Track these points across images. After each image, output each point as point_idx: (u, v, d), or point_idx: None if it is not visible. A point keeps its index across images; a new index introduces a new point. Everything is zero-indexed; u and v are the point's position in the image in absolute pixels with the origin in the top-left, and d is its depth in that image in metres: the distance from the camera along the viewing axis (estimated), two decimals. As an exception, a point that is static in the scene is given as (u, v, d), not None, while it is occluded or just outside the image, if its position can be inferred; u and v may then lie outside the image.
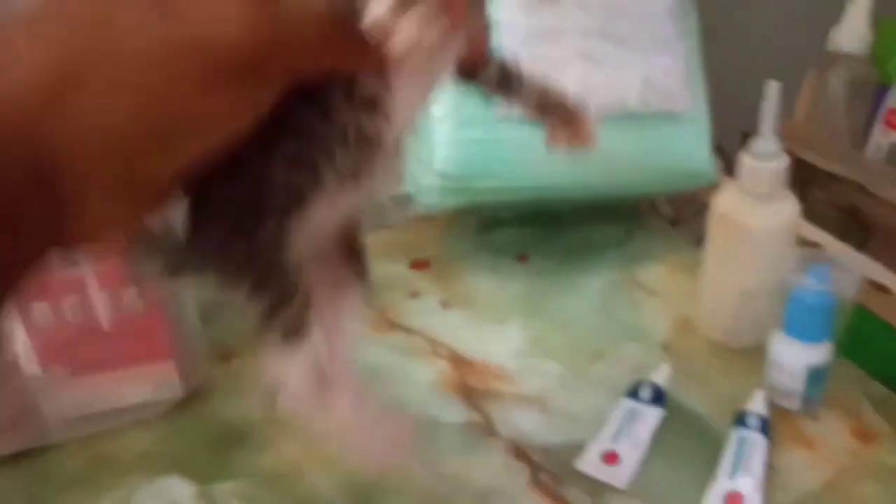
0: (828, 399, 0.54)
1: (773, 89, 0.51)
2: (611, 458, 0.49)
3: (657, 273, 0.71)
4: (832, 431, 0.52)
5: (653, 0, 0.66)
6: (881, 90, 0.83)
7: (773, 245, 0.54)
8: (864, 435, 0.51)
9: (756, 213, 0.54)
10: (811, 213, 0.91)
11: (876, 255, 0.85)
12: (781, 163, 0.53)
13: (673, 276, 0.70)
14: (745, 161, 0.54)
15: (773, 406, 0.53)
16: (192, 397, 0.56)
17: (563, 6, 0.64)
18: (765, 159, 0.53)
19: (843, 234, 0.86)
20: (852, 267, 0.49)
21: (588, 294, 0.68)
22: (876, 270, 0.58)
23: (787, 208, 0.54)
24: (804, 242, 0.64)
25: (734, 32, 1.06)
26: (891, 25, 0.90)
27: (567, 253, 0.74)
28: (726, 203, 0.56)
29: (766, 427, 0.50)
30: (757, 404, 0.51)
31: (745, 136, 0.95)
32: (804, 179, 0.85)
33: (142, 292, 0.51)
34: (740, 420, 0.50)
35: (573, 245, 0.75)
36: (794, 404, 0.53)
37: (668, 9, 0.67)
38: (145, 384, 0.54)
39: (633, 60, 0.65)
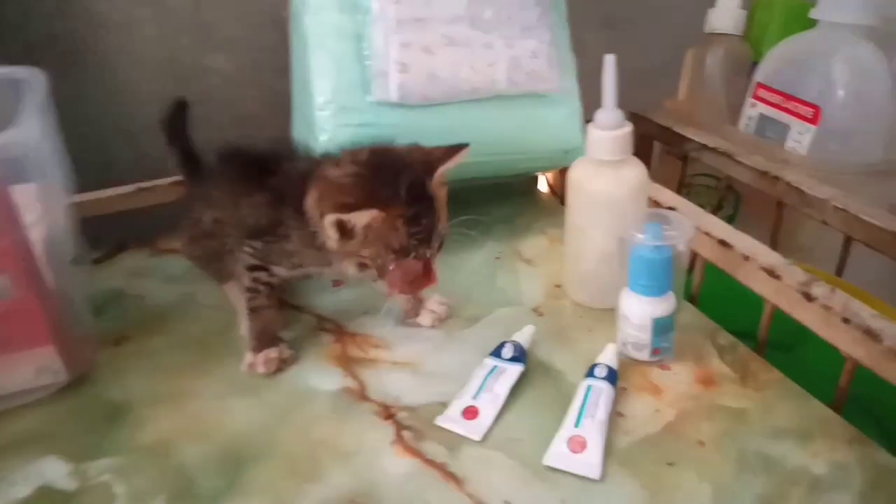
0: (680, 349, 0.58)
1: (609, 63, 0.55)
2: (471, 413, 0.52)
3: (538, 245, 0.75)
4: (680, 379, 0.56)
5: (516, -14, 0.70)
6: (756, 68, 0.89)
7: (621, 208, 0.57)
8: (708, 380, 0.56)
9: (604, 178, 0.58)
10: (692, 184, 0.96)
11: (747, 219, 0.91)
12: (624, 131, 0.57)
13: (551, 247, 0.74)
14: (591, 131, 0.58)
15: (626, 358, 0.57)
16: (79, 381, 0.57)
17: (429, -7, 0.67)
18: (608, 128, 0.57)
19: (721, 202, 0.92)
20: (685, 222, 0.53)
21: (473, 267, 0.72)
22: (717, 225, 0.62)
23: (634, 174, 0.58)
24: (662, 207, 0.69)
25: (627, 20, 1.11)
26: (764, 7, 0.95)
27: (457, 232, 0.77)
28: (578, 171, 0.60)
29: (613, 377, 0.53)
30: (607, 356, 0.55)
31: (634, 115, 1.00)
32: (685, 154, 0.90)
33: (17, 279, 0.52)
34: (590, 371, 0.54)
35: (466, 224, 0.79)
36: (644, 355, 0.57)
37: (532, -5, 0.71)
38: (25, 370, 0.55)
39: (499, 44, 0.69)
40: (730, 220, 0.91)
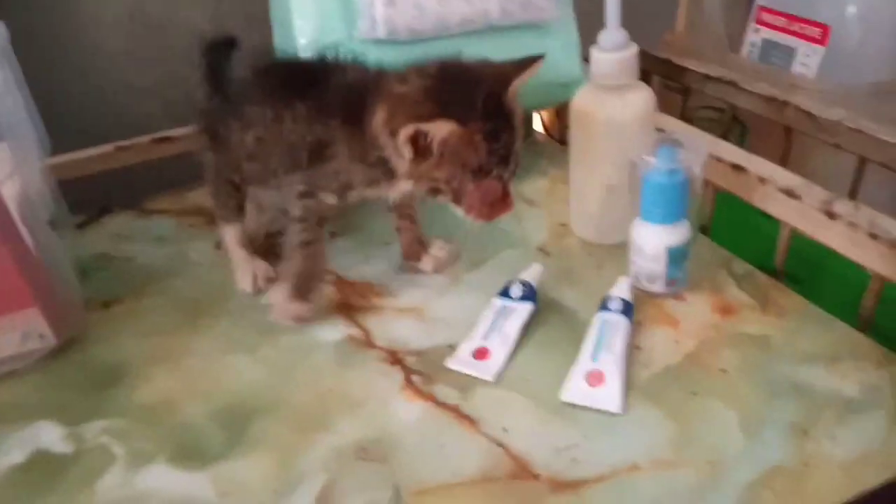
0: (694, 280, 0.56)
1: (611, -22, 0.51)
2: (481, 353, 0.50)
3: (539, 186, 0.72)
4: (696, 309, 0.54)
5: None
6: (755, -6, 0.85)
7: (628, 135, 0.55)
8: (726, 309, 0.53)
9: (609, 104, 0.55)
10: (694, 119, 0.93)
11: (754, 150, 0.88)
12: (628, 53, 0.54)
13: (553, 188, 0.71)
14: (594, 54, 0.54)
15: (639, 291, 0.55)
16: (69, 345, 0.54)
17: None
18: (611, 51, 0.53)
19: (725, 134, 0.89)
20: (699, 145, 0.50)
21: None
22: (729, 150, 0.59)
23: (640, 98, 0.55)
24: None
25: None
26: (762, -72, 0.91)
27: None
28: (582, 99, 0.56)
29: (628, 309, 0.51)
30: (621, 289, 0.53)
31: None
32: (686, 86, 0.86)
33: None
34: (603, 305, 0.52)
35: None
36: (659, 287, 0.54)
37: (523, -84, 0.66)
38: (11, 335, 0.52)
39: (491, -29, 0.65)
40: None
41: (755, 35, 0.83)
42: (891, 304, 0.49)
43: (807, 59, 0.76)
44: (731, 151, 0.59)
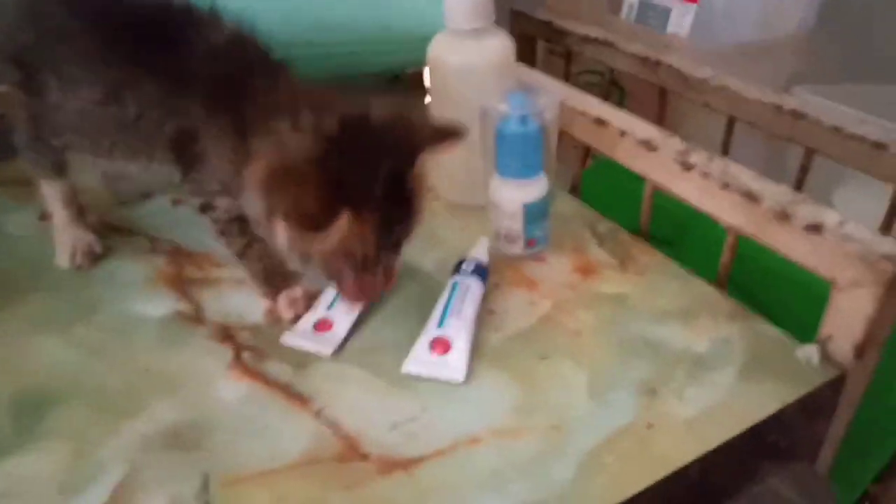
0: (557, 241, 0.53)
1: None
2: (323, 326, 0.46)
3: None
4: (556, 270, 0.51)
5: None
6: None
7: (483, 83, 0.51)
8: (586, 269, 0.51)
9: (463, 50, 0.51)
10: (577, 82, 0.91)
11: (631, 110, 0.87)
12: (482, -5, 0.50)
13: (422, 148, 0.67)
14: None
15: (499, 254, 0.51)
16: None
17: None
18: (463, -8, 0.49)
19: (606, 98, 0.87)
20: (552, 92, 0.47)
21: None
22: (592, 104, 0.57)
23: (497, 45, 0.52)
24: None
25: None
26: None
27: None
28: (437, 46, 0.52)
29: (482, 271, 0.47)
30: (478, 251, 0.49)
31: (514, 13, 0.92)
32: (568, 50, 0.84)
33: None
34: (457, 268, 0.48)
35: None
36: (519, 248, 0.51)
37: None
38: None
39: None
40: (616, 117, 0.86)
41: (632, -5, 0.81)
42: (745, 259, 0.47)
43: (680, 19, 0.75)
44: (594, 104, 0.56)
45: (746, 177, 0.45)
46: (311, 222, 0.37)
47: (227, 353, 0.44)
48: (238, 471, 0.37)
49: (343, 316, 0.46)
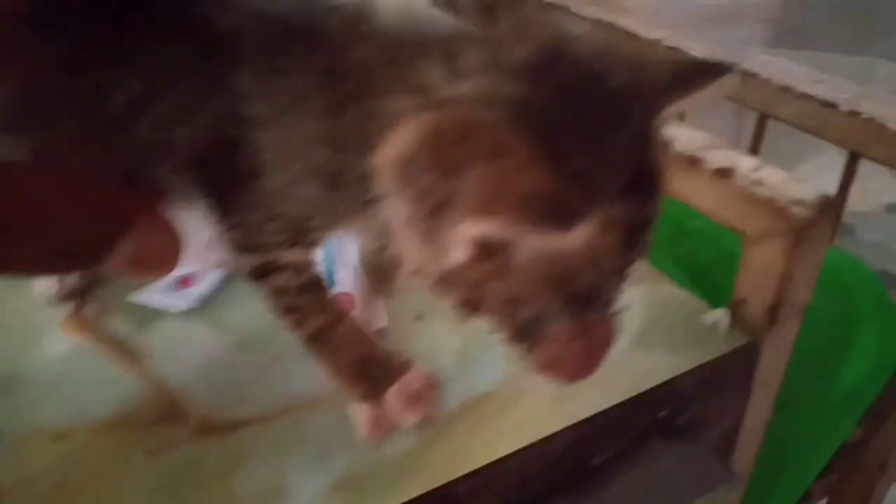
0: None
1: None
2: (186, 281, 0.41)
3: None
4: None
5: None
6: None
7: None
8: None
9: None
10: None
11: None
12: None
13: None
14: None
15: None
16: None
17: None
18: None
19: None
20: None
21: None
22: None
23: None
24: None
25: None
26: None
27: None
28: None
29: None
30: None
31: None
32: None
33: None
34: None
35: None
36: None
37: None
38: None
39: None
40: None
41: (592, -40, 0.76)
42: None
43: (639, -18, 0.70)
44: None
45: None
46: (552, 216, 0.21)
47: (66, 308, 0.40)
48: (37, 429, 0.32)
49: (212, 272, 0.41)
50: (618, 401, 0.31)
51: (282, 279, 0.29)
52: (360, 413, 0.30)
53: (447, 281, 0.24)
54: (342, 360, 0.30)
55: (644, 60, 0.25)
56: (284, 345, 0.36)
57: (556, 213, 0.21)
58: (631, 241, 0.23)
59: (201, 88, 0.26)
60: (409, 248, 0.24)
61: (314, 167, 0.26)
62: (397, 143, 0.21)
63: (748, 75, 0.54)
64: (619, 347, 0.34)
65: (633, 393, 0.32)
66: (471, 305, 0.24)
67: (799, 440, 0.44)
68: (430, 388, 0.31)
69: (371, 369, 0.31)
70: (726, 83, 0.26)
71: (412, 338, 0.36)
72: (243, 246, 0.29)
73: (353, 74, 0.24)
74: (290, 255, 0.29)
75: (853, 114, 0.46)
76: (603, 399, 0.32)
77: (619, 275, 0.24)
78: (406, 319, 0.38)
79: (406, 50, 0.24)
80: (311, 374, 0.34)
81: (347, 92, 0.24)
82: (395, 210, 0.23)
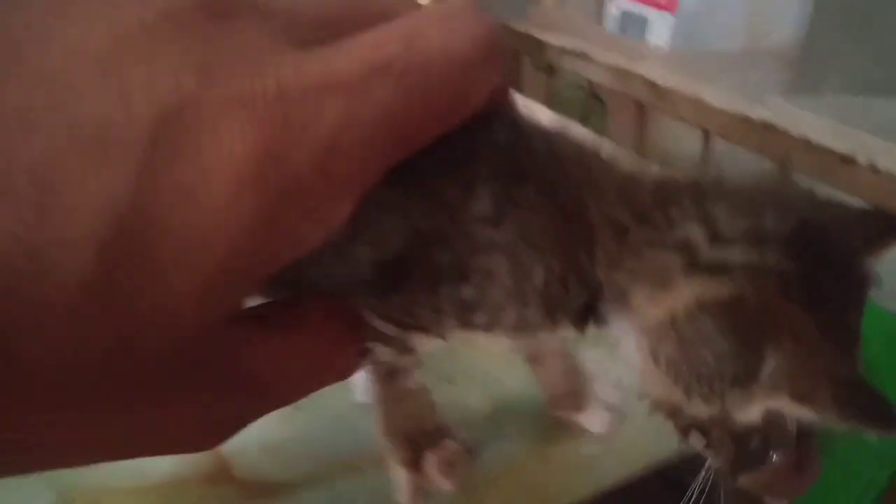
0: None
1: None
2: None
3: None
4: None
5: None
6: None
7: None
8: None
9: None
10: (559, 97, 0.88)
11: (616, 129, 0.83)
12: None
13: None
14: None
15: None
16: None
17: None
18: None
19: (587, 113, 0.84)
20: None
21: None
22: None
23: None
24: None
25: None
26: None
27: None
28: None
29: None
30: None
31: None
32: (549, 64, 0.81)
33: None
34: None
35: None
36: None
37: None
38: None
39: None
40: (598, 132, 0.83)
41: (613, 6, 0.78)
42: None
43: (659, 30, 0.71)
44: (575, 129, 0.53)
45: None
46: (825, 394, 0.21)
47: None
48: (97, 488, 0.34)
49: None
50: (637, 469, 0.33)
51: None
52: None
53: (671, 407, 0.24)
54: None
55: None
56: (330, 409, 0.38)
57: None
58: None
59: None
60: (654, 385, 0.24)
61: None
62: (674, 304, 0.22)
63: (767, 126, 0.55)
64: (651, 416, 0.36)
65: (662, 461, 0.33)
66: (686, 429, 0.24)
67: (829, 495, 0.45)
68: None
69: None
70: None
71: (443, 402, 0.38)
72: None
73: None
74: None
75: (874, 170, 0.47)
76: (629, 468, 0.33)
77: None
78: (437, 383, 0.40)
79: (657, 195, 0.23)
80: (355, 439, 0.36)
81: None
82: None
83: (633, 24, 0.75)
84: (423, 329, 0.26)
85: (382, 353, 0.27)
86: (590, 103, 0.82)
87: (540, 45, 0.80)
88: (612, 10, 0.78)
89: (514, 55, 0.90)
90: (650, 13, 0.72)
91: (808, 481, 0.25)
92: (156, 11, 0.15)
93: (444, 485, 0.31)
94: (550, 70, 0.83)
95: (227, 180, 0.15)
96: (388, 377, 0.29)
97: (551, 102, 0.87)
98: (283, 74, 0.15)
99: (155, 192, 0.14)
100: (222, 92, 0.15)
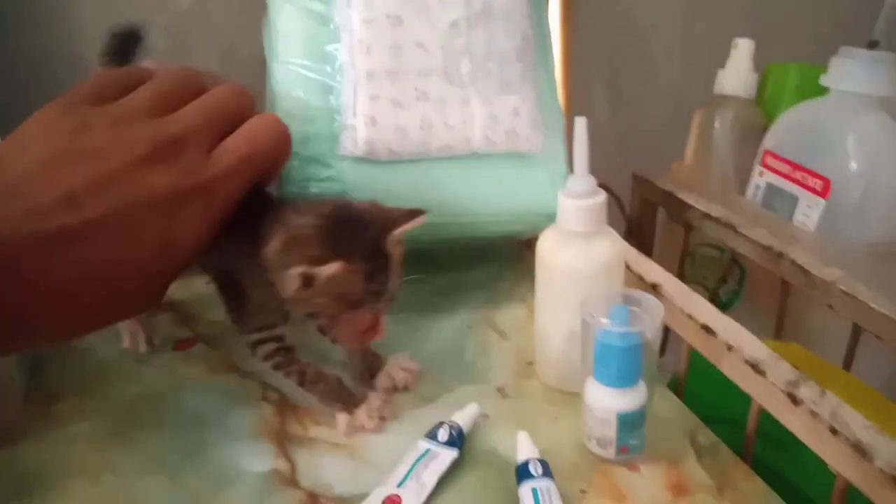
0: (653, 445, 0.51)
1: (580, 126, 0.50)
2: (391, 503, 0.47)
3: (515, 315, 0.69)
4: (648, 483, 0.49)
5: (498, 41, 0.66)
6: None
7: (590, 286, 0.52)
8: (680, 488, 0.49)
9: (572, 251, 0.53)
10: (696, 253, 0.90)
11: (753, 297, 0.84)
12: (595, 201, 0.52)
13: (529, 318, 0.68)
14: (561, 199, 0.53)
15: (590, 455, 0.51)
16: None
17: (402, 47, 0.63)
18: (577, 197, 0.52)
19: (725, 276, 0.85)
20: (655, 307, 0.47)
21: (442, 338, 0.66)
22: (703, 309, 0.56)
23: (606, 247, 0.53)
24: (645, 282, 0.63)
25: (634, 78, 1.07)
26: (777, 71, 0.90)
27: (434, 296, 0.73)
28: (545, 242, 0.54)
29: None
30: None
31: (636, 177, 0.94)
32: (688, 222, 0.84)
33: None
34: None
35: (441, 289, 0.74)
36: (610, 453, 0.50)
37: (515, 50, 0.67)
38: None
39: (476, 100, 0.65)
40: (734, 296, 0.84)
41: (760, 178, 0.80)
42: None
43: (808, 210, 0.73)
44: (704, 310, 0.56)
45: (858, 426, 0.42)
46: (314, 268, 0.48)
47: None
48: None
49: (412, 495, 0.47)
50: None
51: (269, 347, 0.54)
52: (340, 421, 0.54)
53: (295, 300, 0.50)
54: (320, 390, 0.55)
55: (383, 208, 0.53)
56: None
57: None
58: (373, 282, 0.50)
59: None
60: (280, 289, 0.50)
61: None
62: (273, 246, 0.50)
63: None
64: None
65: None
66: (309, 315, 0.51)
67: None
68: (387, 405, 0.56)
69: (341, 393, 0.55)
70: (420, 221, 0.52)
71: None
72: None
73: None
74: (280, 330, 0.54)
75: None
76: None
77: (373, 294, 0.50)
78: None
79: None
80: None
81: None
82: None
83: (780, 200, 0.77)
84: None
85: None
86: (729, 268, 0.83)
87: (681, 205, 0.83)
88: (759, 181, 0.81)
89: (650, 206, 0.93)
90: (801, 193, 0.74)
91: (366, 336, 0.52)
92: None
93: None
94: (689, 226, 0.85)
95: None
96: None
97: (685, 257, 0.89)
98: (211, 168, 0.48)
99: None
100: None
